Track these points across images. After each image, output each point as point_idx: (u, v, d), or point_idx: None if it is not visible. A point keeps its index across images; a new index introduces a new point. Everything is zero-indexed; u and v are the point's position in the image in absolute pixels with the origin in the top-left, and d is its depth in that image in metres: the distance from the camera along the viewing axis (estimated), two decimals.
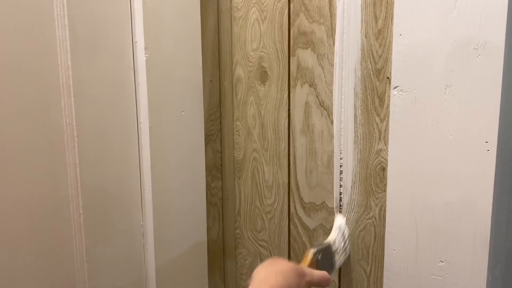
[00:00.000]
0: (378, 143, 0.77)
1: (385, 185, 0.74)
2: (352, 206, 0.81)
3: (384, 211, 0.76)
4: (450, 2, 0.62)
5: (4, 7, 0.66)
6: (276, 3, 0.85)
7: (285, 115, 0.88)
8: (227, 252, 1.02)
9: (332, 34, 0.79)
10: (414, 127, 0.68)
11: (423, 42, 0.65)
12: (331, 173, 0.83)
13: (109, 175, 0.81)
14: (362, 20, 0.75)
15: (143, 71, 0.82)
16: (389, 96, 0.73)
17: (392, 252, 0.74)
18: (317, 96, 0.83)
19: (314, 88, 0.83)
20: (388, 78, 0.74)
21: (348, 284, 0.85)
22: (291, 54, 0.85)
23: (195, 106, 0.91)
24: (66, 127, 0.74)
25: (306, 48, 0.83)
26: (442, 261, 0.69)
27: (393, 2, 0.68)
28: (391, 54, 0.71)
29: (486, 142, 0.62)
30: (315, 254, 0.72)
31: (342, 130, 0.80)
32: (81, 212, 0.77)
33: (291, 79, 0.86)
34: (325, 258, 0.74)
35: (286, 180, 0.90)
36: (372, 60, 0.75)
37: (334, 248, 0.77)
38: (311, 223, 0.88)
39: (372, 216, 0.79)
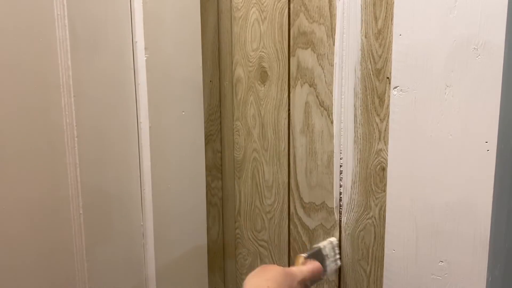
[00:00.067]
0: (378, 143, 0.77)
1: (385, 185, 0.74)
2: (352, 206, 0.81)
3: (384, 211, 0.76)
4: (450, 2, 0.62)
5: (4, 7, 0.66)
6: (276, 3, 0.85)
7: (285, 115, 0.88)
8: (227, 252, 1.02)
9: (332, 34, 0.79)
10: (414, 127, 0.68)
11: (423, 42, 0.65)
12: (331, 173, 0.83)
13: (109, 175, 0.81)
14: (362, 20, 0.75)
15: (143, 71, 0.82)
16: (389, 96, 0.73)
17: (392, 252, 0.74)
18: (317, 96, 0.83)
19: (314, 88, 0.83)
20: (388, 78, 0.74)
21: (348, 284, 0.85)
22: (291, 54, 0.85)
23: (195, 106, 0.91)
24: (66, 127, 0.74)
25: (306, 48, 0.83)
26: (442, 261, 0.69)
27: (393, 2, 0.68)
28: (391, 54, 0.71)
29: (486, 142, 0.62)
30: (306, 258, 0.73)
31: (342, 130, 0.80)
32: (81, 212, 0.77)
33: (291, 79, 0.86)
34: (316, 260, 0.75)
35: (286, 180, 0.90)
36: (372, 60, 0.75)
37: (324, 253, 0.78)
38: (311, 223, 0.88)
39: (372, 216, 0.79)
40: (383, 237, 0.77)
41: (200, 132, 0.93)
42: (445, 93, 0.65)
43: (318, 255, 0.77)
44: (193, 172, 0.93)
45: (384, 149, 0.76)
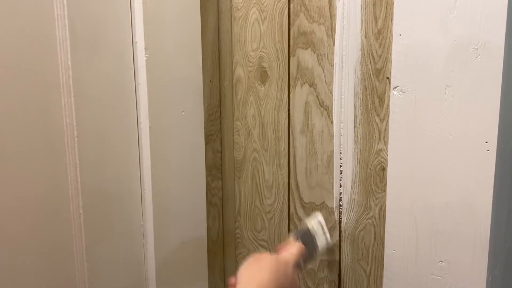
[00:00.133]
0: (378, 143, 0.77)
1: (385, 185, 0.74)
2: (352, 206, 0.81)
3: (384, 211, 0.76)
4: (450, 2, 0.62)
5: (4, 7, 0.66)
6: (276, 3, 0.85)
7: (285, 115, 0.88)
8: (227, 252, 1.02)
9: (332, 34, 0.79)
10: (414, 127, 0.68)
11: (423, 42, 0.65)
12: (331, 173, 0.83)
13: (109, 175, 0.81)
14: (362, 20, 0.75)
15: (143, 71, 0.82)
16: (389, 96, 0.73)
17: (392, 252, 0.74)
18: (317, 96, 0.83)
19: (314, 88, 0.83)
20: (388, 78, 0.74)
21: (348, 284, 0.85)
22: (291, 54, 0.85)
23: (195, 106, 0.91)
24: (66, 127, 0.74)
25: (306, 48, 0.83)
26: (442, 261, 0.69)
27: (393, 2, 0.68)
28: (390, 54, 0.71)
29: (486, 142, 0.62)
30: (295, 238, 0.72)
31: (342, 130, 0.80)
32: (81, 212, 0.77)
33: (291, 79, 0.86)
34: (306, 240, 0.74)
35: (286, 180, 0.90)
36: (372, 60, 0.75)
37: (313, 231, 0.77)
38: None
39: (372, 216, 0.79)
40: (383, 237, 0.77)
41: (200, 132, 0.93)
42: (445, 93, 0.65)
43: (306, 234, 0.76)
44: (193, 172, 0.93)
45: (384, 149, 0.76)
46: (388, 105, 0.74)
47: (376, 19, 0.74)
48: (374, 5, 0.73)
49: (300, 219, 0.89)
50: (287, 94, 0.87)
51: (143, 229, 0.87)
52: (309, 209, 0.87)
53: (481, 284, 0.66)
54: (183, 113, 0.89)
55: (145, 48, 0.81)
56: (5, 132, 0.68)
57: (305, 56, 0.83)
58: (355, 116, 0.78)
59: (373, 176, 0.78)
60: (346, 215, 0.82)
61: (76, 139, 0.75)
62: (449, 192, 0.66)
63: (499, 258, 0.69)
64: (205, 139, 0.95)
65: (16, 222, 0.70)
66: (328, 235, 0.79)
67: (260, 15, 0.87)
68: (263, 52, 0.88)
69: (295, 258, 0.67)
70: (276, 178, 0.91)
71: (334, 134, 0.81)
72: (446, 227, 0.67)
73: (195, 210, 0.95)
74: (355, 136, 0.79)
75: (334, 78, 0.80)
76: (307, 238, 0.76)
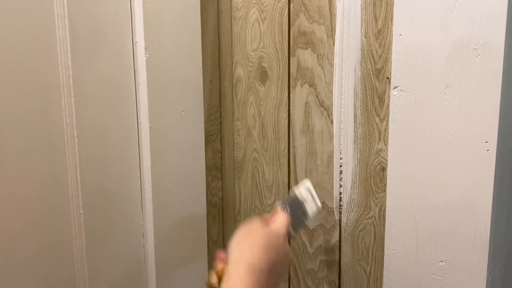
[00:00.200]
0: (378, 143, 0.77)
1: (385, 185, 0.74)
2: (352, 206, 0.81)
3: (384, 211, 0.76)
4: (450, 2, 0.62)
5: (4, 7, 0.66)
6: (276, 3, 0.85)
7: (285, 115, 0.88)
8: None
9: (332, 34, 0.79)
10: (414, 127, 0.68)
11: (423, 42, 0.65)
12: (331, 173, 0.83)
13: (109, 175, 0.81)
14: (362, 20, 0.75)
15: (143, 71, 0.82)
16: (389, 96, 0.73)
17: (392, 252, 0.74)
18: (317, 96, 0.83)
19: (314, 88, 0.83)
20: (388, 78, 0.74)
21: (348, 284, 0.85)
22: (291, 54, 0.85)
23: (195, 106, 0.91)
24: (66, 127, 0.74)
25: (306, 48, 0.83)
26: (442, 261, 0.69)
27: (393, 2, 0.68)
28: (391, 54, 0.71)
29: (486, 142, 0.62)
30: (283, 207, 0.70)
31: (342, 130, 0.80)
32: (81, 212, 0.77)
33: (291, 79, 0.86)
34: (294, 207, 0.72)
35: (286, 180, 0.90)
36: (372, 60, 0.75)
37: (301, 198, 0.74)
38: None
39: (372, 216, 0.79)
40: (383, 237, 0.77)
41: (200, 132, 0.93)
42: (445, 93, 0.65)
43: (294, 202, 0.74)
44: (193, 172, 0.93)
45: (384, 149, 0.76)
46: (388, 105, 0.74)
47: (376, 19, 0.74)
48: (374, 5, 0.73)
49: None
50: (287, 94, 0.87)
51: (143, 229, 0.87)
52: None
53: (481, 284, 0.66)
54: (183, 113, 0.89)
55: (145, 48, 0.81)
56: (5, 132, 0.68)
57: (305, 56, 0.83)
58: (355, 116, 0.78)
59: (373, 176, 0.78)
60: (346, 215, 0.82)
61: (76, 139, 0.75)
62: (449, 192, 0.66)
63: (499, 258, 0.69)
64: (205, 139, 0.95)
65: (16, 222, 0.70)
66: (317, 200, 0.75)
67: (260, 15, 0.87)
68: (263, 52, 0.88)
69: (285, 228, 0.64)
70: (276, 178, 0.91)
71: (334, 134, 0.81)
72: (446, 227, 0.67)
73: (195, 210, 0.95)
74: (355, 136, 0.79)
75: (334, 78, 0.80)
76: (295, 206, 0.73)
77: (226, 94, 0.95)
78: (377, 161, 0.77)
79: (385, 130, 0.75)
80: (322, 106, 0.83)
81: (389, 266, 0.74)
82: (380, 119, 0.76)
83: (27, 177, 0.71)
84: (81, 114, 0.76)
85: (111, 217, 0.82)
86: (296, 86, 0.85)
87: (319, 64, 0.81)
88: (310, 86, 0.83)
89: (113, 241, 0.83)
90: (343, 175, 0.81)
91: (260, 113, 0.91)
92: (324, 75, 0.81)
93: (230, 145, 0.97)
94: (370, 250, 0.81)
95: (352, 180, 0.80)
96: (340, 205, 0.83)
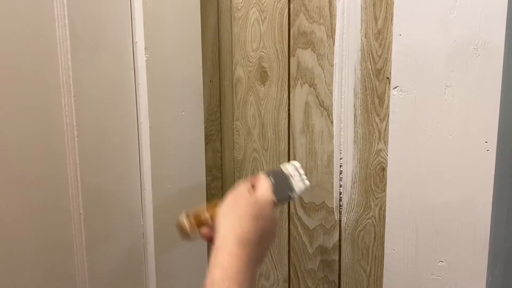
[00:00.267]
0: (378, 143, 0.77)
1: (385, 185, 0.74)
2: (352, 206, 0.81)
3: (384, 211, 0.76)
4: (449, 2, 0.62)
5: (4, 7, 0.66)
6: (276, 3, 0.85)
7: (285, 115, 0.88)
8: None
9: (332, 34, 0.79)
10: (414, 127, 0.68)
11: (423, 42, 0.66)
12: (331, 173, 0.83)
13: (109, 175, 0.81)
14: (362, 20, 0.75)
15: (143, 71, 0.82)
16: (389, 96, 0.73)
17: (392, 252, 0.74)
18: (317, 96, 0.83)
19: (314, 88, 0.83)
20: (387, 78, 0.74)
21: (348, 284, 0.85)
22: (291, 54, 0.85)
23: (195, 106, 0.91)
24: (66, 127, 0.74)
25: (306, 48, 0.83)
26: (441, 261, 0.69)
27: (393, 2, 0.69)
28: (390, 54, 0.71)
29: (486, 142, 0.62)
30: (267, 176, 0.68)
31: (342, 130, 0.80)
32: (81, 212, 0.77)
33: (291, 79, 0.86)
34: (278, 179, 0.69)
35: None
36: (372, 60, 0.75)
37: (286, 172, 0.71)
38: (311, 223, 0.88)
39: (372, 216, 0.79)
40: (383, 237, 0.77)
41: (200, 132, 0.93)
42: (445, 93, 0.65)
43: (279, 174, 0.73)
44: (193, 172, 0.93)
45: (384, 149, 0.76)
46: (388, 105, 0.74)
47: (376, 19, 0.74)
48: (374, 5, 0.73)
49: (300, 219, 0.89)
50: (287, 94, 0.87)
51: (143, 229, 0.87)
52: (309, 209, 0.87)
53: (481, 284, 0.66)
54: (183, 113, 0.89)
55: (145, 48, 0.81)
56: (5, 132, 0.68)
57: (305, 56, 0.83)
58: (355, 116, 0.78)
59: (373, 176, 0.78)
60: (346, 215, 0.82)
61: (76, 139, 0.75)
62: (449, 192, 0.66)
63: (499, 258, 0.69)
64: (205, 139, 0.95)
65: (16, 221, 0.70)
66: (304, 177, 0.72)
67: (260, 15, 0.87)
68: (263, 52, 0.89)
69: (271, 196, 0.62)
70: None
71: (334, 134, 0.81)
72: (446, 227, 0.68)
73: None
74: (355, 136, 0.79)
75: (334, 78, 0.80)
76: (280, 178, 0.71)
77: (226, 94, 0.95)
78: (377, 161, 0.77)
79: (385, 130, 0.75)
80: (322, 106, 0.83)
81: (389, 266, 0.74)
82: (380, 119, 0.76)
83: (27, 177, 0.71)
84: (81, 114, 0.75)
85: (111, 217, 0.82)
86: (296, 86, 0.85)
87: (319, 64, 0.82)
88: (310, 86, 0.83)
89: (113, 241, 0.83)
90: (343, 175, 0.81)
91: (260, 113, 0.91)
92: (324, 75, 0.81)
93: (230, 145, 0.97)
94: (370, 250, 0.81)
95: (352, 180, 0.80)
96: (340, 205, 0.83)
